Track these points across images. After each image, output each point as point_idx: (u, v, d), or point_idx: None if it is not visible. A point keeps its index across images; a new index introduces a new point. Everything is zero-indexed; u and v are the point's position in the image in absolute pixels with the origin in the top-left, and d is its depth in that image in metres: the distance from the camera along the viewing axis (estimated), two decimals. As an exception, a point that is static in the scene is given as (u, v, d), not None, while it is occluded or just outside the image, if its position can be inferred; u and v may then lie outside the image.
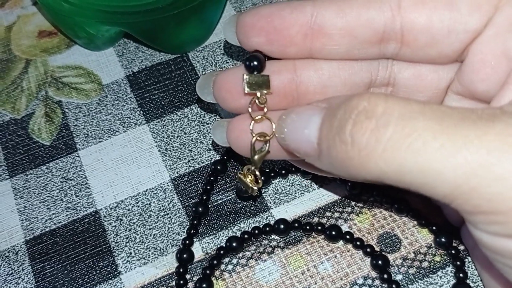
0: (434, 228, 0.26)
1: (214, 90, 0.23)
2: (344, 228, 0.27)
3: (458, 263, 0.25)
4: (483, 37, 0.21)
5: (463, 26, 0.20)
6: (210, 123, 0.31)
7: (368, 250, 0.26)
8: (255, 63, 0.22)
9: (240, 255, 0.27)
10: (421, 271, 0.26)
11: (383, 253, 0.26)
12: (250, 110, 0.23)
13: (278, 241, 0.27)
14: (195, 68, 0.33)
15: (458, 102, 0.23)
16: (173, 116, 0.31)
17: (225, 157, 0.29)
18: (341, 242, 0.27)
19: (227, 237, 0.27)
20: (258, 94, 0.22)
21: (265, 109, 0.22)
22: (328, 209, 0.28)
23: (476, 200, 0.16)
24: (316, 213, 0.28)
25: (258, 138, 0.22)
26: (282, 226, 0.27)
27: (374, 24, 0.21)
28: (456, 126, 0.16)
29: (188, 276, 0.26)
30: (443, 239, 0.26)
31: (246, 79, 0.22)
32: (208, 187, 0.28)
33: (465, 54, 0.21)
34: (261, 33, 0.22)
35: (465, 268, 0.25)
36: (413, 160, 0.16)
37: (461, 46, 0.21)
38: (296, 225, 0.27)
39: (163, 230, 0.28)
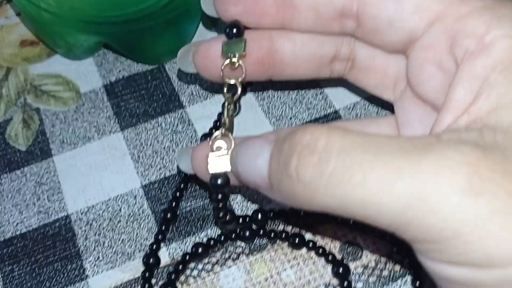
0: (330, 258, 0.26)
1: (195, 59, 0.25)
2: (308, 236, 0.28)
3: (414, 272, 0.26)
4: (421, 43, 0.22)
5: (402, 23, 0.22)
6: (183, 132, 0.32)
7: (330, 258, 0.27)
8: (235, 30, 0.24)
9: (206, 261, 0.27)
10: (381, 280, 0.26)
11: (344, 261, 0.27)
12: (221, 73, 0.24)
13: (243, 248, 0.28)
14: (171, 79, 0.34)
15: (414, 104, 0.24)
16: (147, 125, 0.32)
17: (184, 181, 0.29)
18: (304, 250, 0.27)
19: (194, 243, 0.28)
20: (232, 58, 0.24)
21: (243, 75, 0.24)
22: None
23: (413, 231, 0.16)
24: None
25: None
26: (247, 233, 0.27)
27: (335, 3, 0.23)
28: (392, 157, 0.16)
29: (154, 281, 0.27)
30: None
31: (222, 43, 0.24)
32: (178, 194, 0.29)
33: (408, 52, 0.23)
34: (238, 2, 0.24)
35: (421, 276, 0.26)
36: (354, 194, 0.16)
37: (400, 41, 0.23)
38: (261, 232, 0.27)
39: (131, 235, 0.28)
